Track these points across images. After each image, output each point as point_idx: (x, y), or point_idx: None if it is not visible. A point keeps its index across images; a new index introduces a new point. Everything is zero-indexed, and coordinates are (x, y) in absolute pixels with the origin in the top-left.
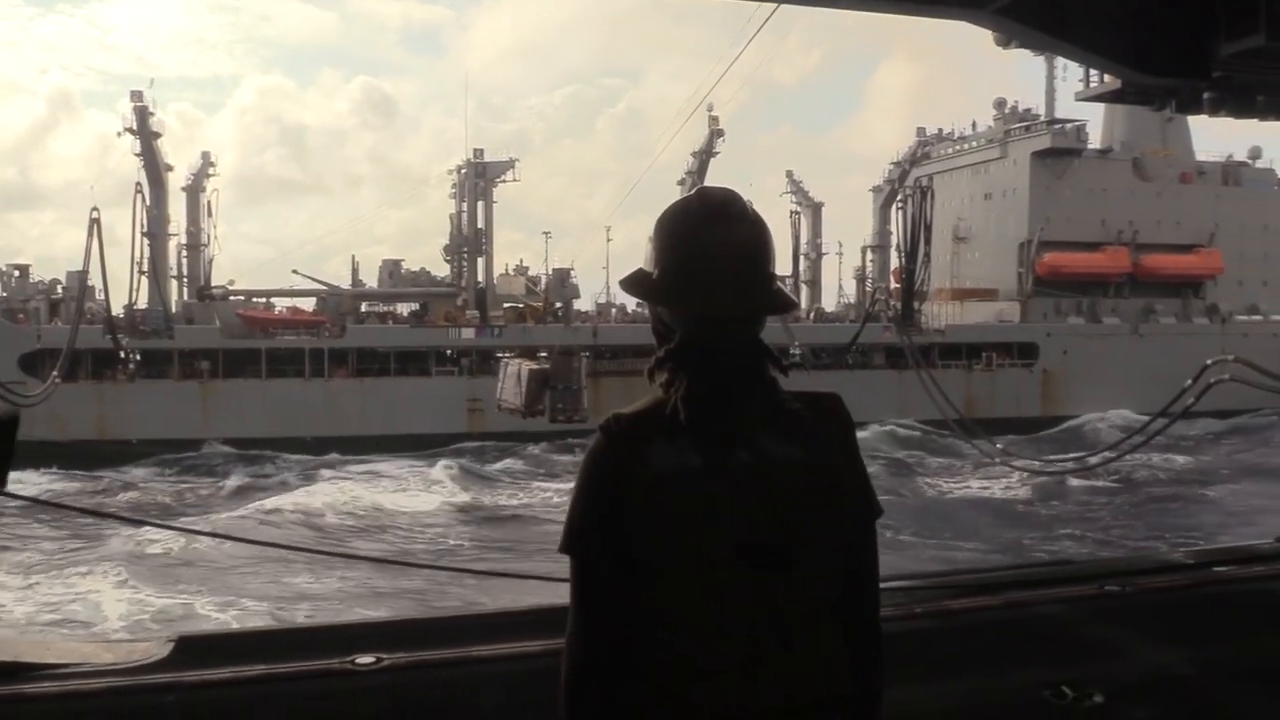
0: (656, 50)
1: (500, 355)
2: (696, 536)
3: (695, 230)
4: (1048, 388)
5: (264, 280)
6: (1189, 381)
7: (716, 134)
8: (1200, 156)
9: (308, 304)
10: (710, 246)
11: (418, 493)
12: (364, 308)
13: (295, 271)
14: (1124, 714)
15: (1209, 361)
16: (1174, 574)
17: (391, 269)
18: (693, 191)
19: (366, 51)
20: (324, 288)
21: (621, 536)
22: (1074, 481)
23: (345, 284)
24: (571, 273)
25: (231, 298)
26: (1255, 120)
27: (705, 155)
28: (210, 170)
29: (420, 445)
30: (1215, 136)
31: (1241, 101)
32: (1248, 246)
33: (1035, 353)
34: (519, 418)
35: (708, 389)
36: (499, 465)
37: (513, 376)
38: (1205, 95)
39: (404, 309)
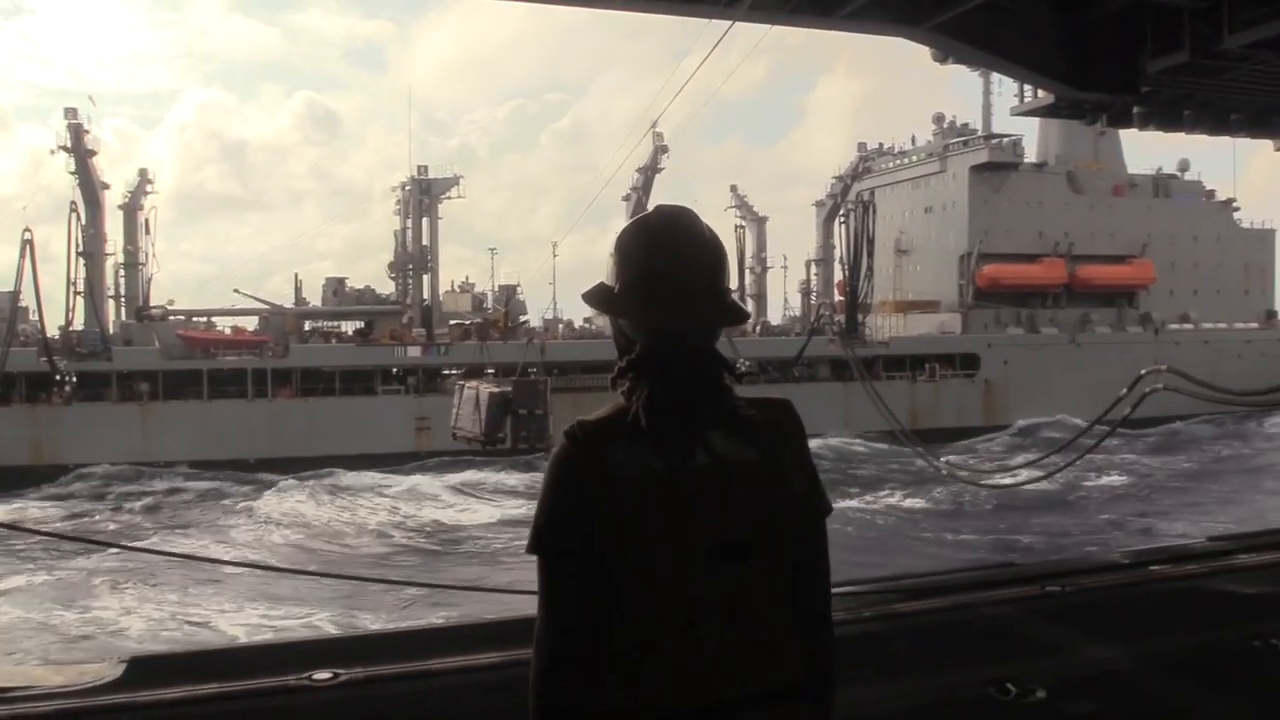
0: (600, 65)
1: (448, 373)
2: (659, 536)
3: (654, 246)
4: (990, 397)
5: (205, 299)
6: (1124, 390)
7: (661, 150)
8: (1131, 169)
9: (250, 323)
10: (668, 261)
11: (467, 507)
12: (307, 326)
13: (237, 290)
14: (1066, 708)
15: (1143, 371)
16: (1112, 574)
17: (335, 287)
18: (651, 209)
19: (309, 66)
20: (266, 307)
21: (587, 536)
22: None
23: (288, 302)
24: (518, 289)
25: (171, 318)
26: (1183, 133)
27: (650, 171)
28: (148, 188)
29: (370, 466)
30: (1145, 150)
31: (1169, 115)
32: (1178, 257)
33: (977, 363)
34: (477, 447)
35: (667, 396)
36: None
37: (469, 401)
38: (1135, 110)
39: (349, 327)
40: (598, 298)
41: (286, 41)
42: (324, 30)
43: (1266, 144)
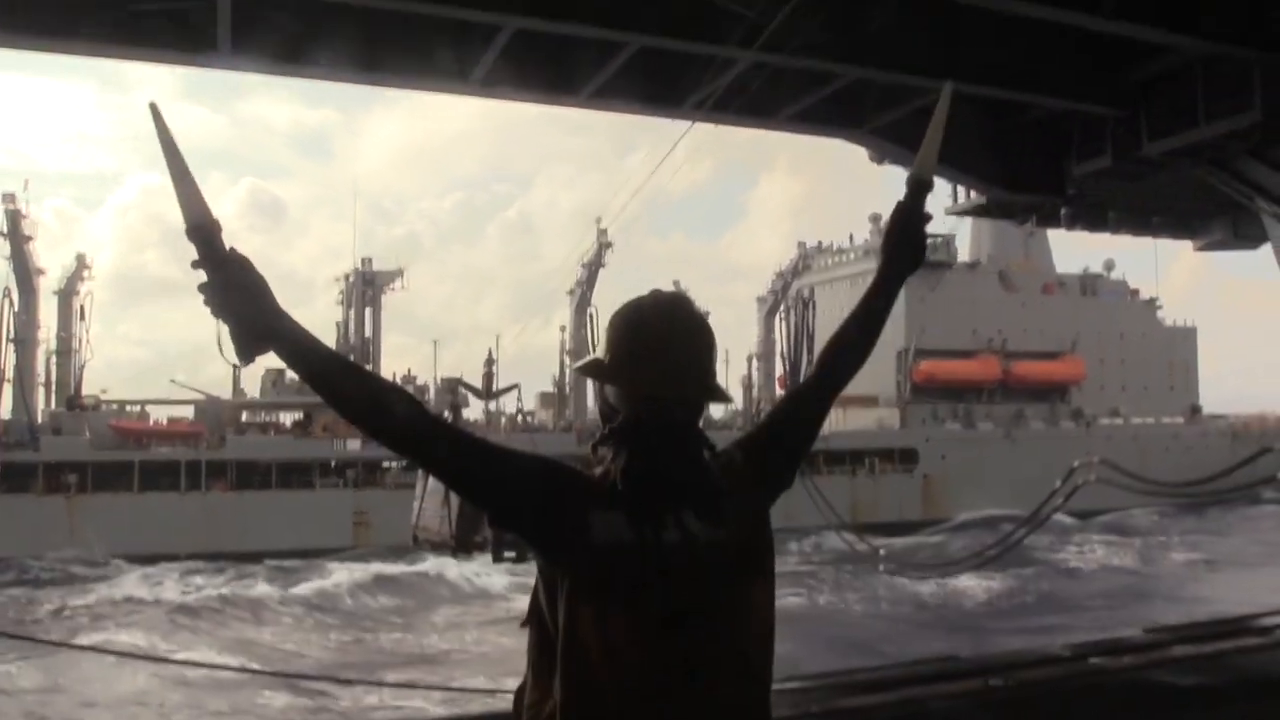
0: (547, 159)
1: (387, 465)
2: (625, 606)
3: (647, 321)
4: (928, 492)
5: (141, 387)
6: (1058, 483)
7: (605, 246)
8: (1060, 268)
9: (187, 412)
10: (660, 335)
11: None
12: (245, 417)
13: (174, 380)
14: None
15: (1075, 464)
16: (1053, 667)
17: (275, 378)
18: (647, 293)
19: (255, 153)
20: (203, 397)
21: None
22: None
23: (226, 392)
24: (461, 381)
25: (104, 407)
26: (1108, 234)
27: (595, 266)
28: (85, 273)
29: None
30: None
31: (1095, 217)
32: (1106, 353)
33: (916, 458)
34: (444, 553)
35: (644, 466)
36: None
37: (435, 494)
38: (1063, 211)
39: (288, 418)
40: (588, 366)
41: (233, 128)
42: (271, 118)
43: (1187, 244)
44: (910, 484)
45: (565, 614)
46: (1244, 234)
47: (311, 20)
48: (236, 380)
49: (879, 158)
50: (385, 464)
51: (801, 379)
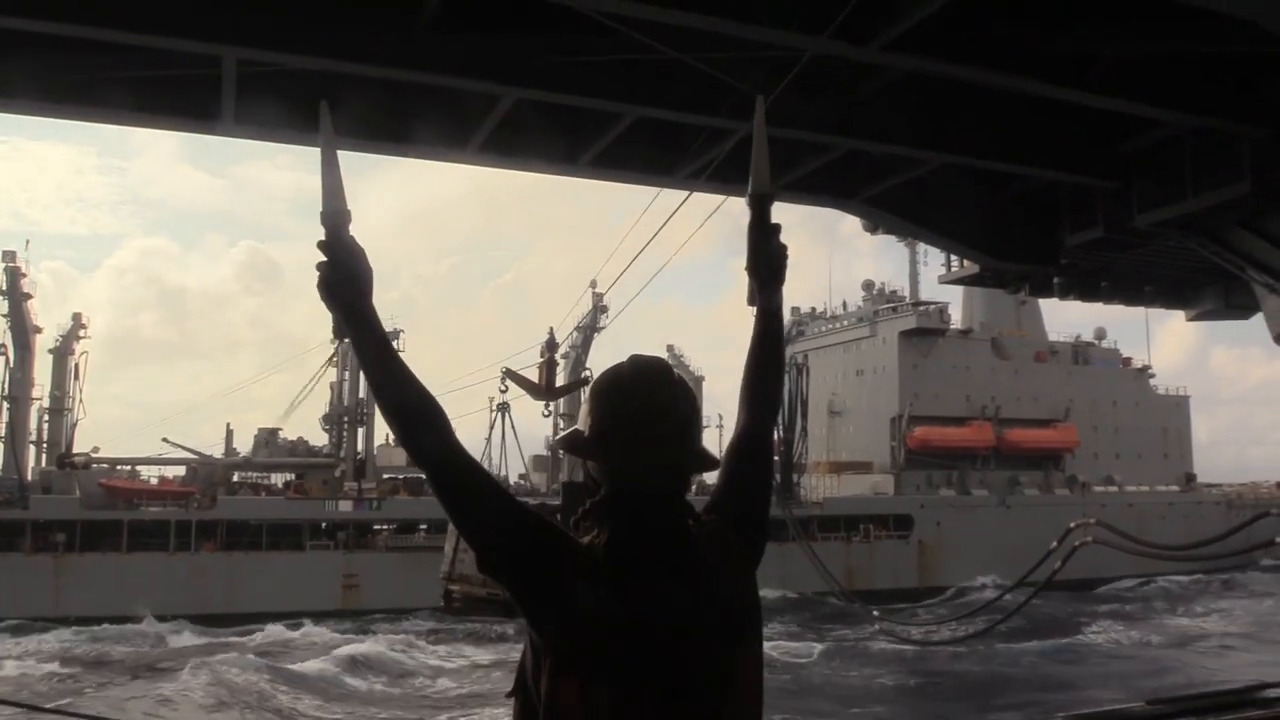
0: (542, 226)
1: (379, 528)
2: (610, 680)
3: (626, 394)
4: (923, 558)
5: (133, 447)
6: (1054, 543)
7: (600, 310)
8: (1052, 336)
9: (179, 472)
10: (639, 408)
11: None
12: (236, 478)
13: (165, 439)
14: None
15: (1072, 524)
16: None
17: (268, 438)
18: (626, 359)
19: (254, 217)
20: (194, 456)
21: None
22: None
23: (218, 452)
24: None
25: (94, 465)
26: (1101, 303)
27: (590, 330)
28: (81, 332)
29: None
30: (1062, 317)
31: (1087, 286)
32: (1100, 421)
33: (910, 524)
34: (483, 610)
35: (627, 540)
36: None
37: None
38: (1055, 280)
39: (280, 479)
40: (568, 441)
41: (232, 193)
42: (270, 183)
43: (1179, 314)
44: (905, 550)
45: (548, 683)
46: (1235, 303)
47: (311, 91)
48: (229, 439)
49: (872, 227)
50: (377, 526)
51: (795, 443)
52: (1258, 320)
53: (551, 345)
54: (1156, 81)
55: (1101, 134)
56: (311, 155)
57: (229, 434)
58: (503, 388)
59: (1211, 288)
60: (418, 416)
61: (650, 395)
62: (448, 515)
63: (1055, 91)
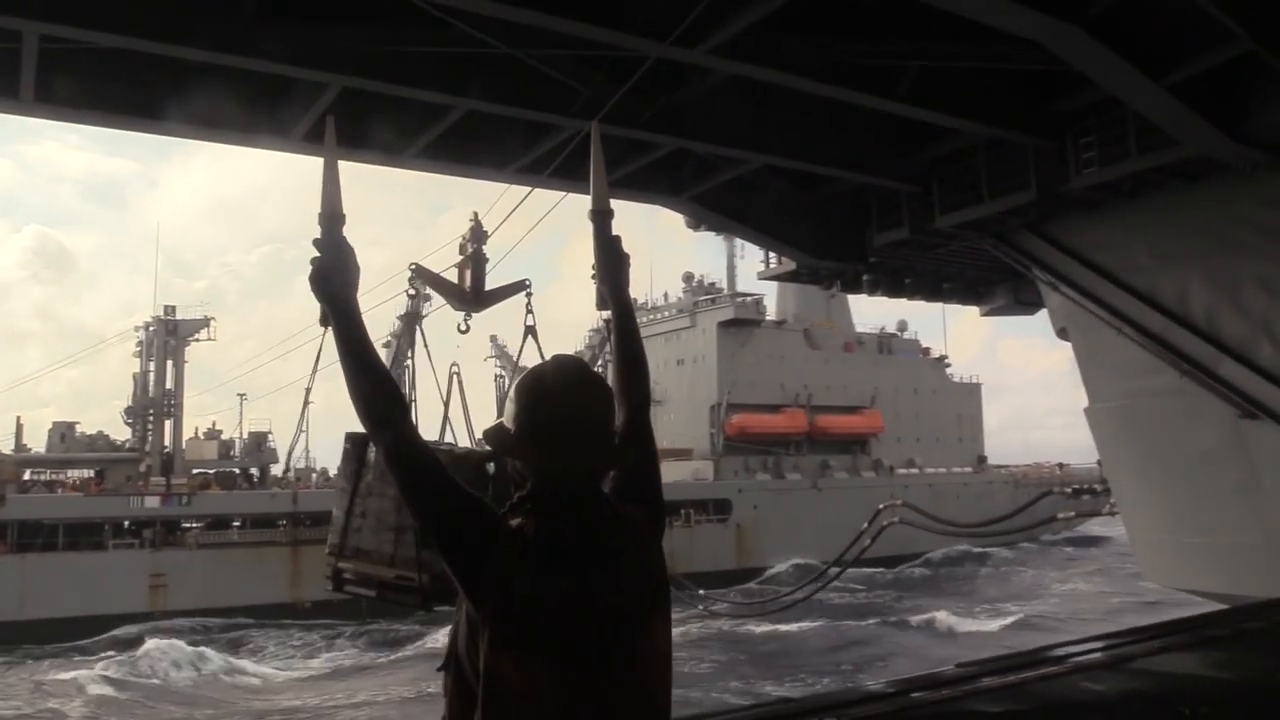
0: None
1: (188, 525)
2: (545, 655)
3: (548, 392)
4: (741, 541)
5: None
6: (865, 524)
7: (424, 299)
8: (859, 328)
9: None
10: (562, 407)
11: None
12: (28, 475)
13: None
14: None
15: (880, 506)
16: (878, 703)
17: (64, 432)
18: (549, 359)
19: (42, 200)
20: None
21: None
22: (764, 627)
23: (7, 448)
24: (269, 436)
25: None
26: (905, 299)
27: (413, 319)
28: None
29: (90, 629)
30: (865, 310)
31: (893, 283)
32: (902, 408)
33: (729, 508)
34: (387, 597)
35: (551, 533)
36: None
37: (382, 498)
38: (864, 277)
39: (77, 475)
40: (494, 437)
41: (18, 173)
42: (62, 164)
43: (974, 308)
44: (724, 533)
45: (486, 658)
46: (1023, 300)
47: (115, 69)
48: (19, 434)
49: (695, 223)
50: (186, 523)
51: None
52: (1042, 315)
53: (479, 234)
54: (957, 94)
55: (907, 141)
56: (107, 135)
57: (19, 428)
58: (411, 291)
59: (1002, 286)
60: (385, 399)
61: (572, 397)
62: (399, 492)
63: (862, 99)
